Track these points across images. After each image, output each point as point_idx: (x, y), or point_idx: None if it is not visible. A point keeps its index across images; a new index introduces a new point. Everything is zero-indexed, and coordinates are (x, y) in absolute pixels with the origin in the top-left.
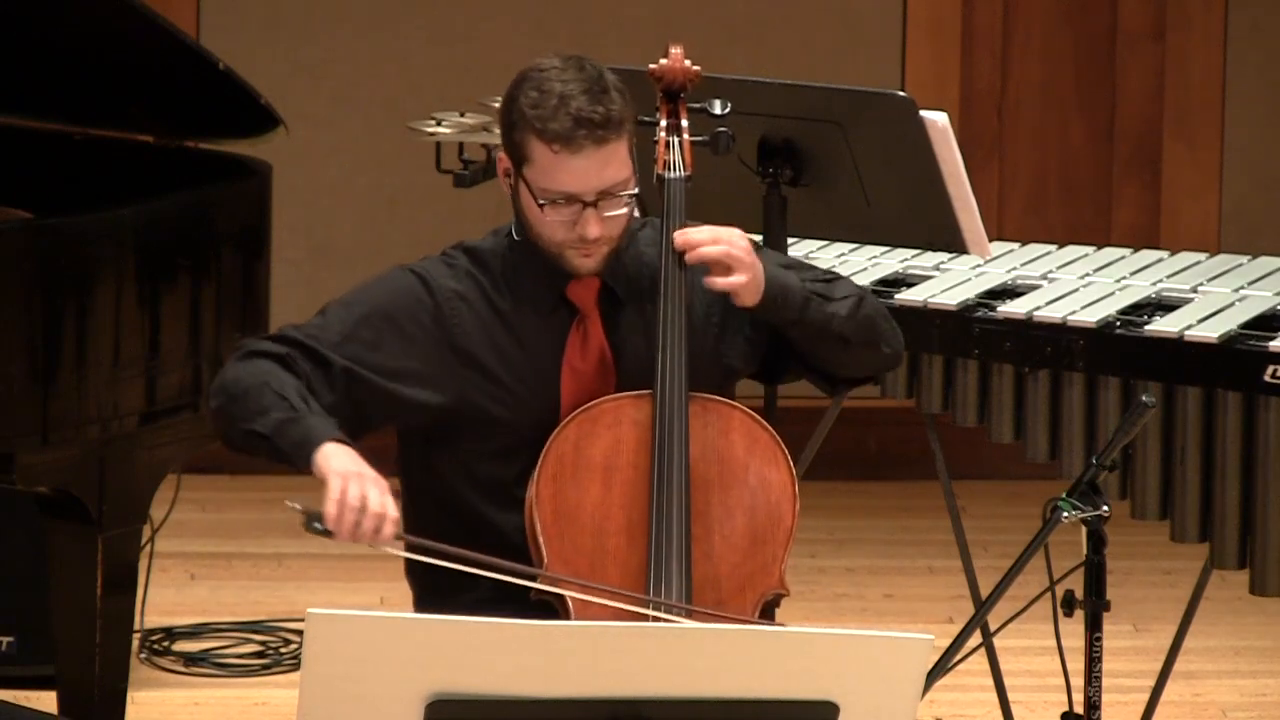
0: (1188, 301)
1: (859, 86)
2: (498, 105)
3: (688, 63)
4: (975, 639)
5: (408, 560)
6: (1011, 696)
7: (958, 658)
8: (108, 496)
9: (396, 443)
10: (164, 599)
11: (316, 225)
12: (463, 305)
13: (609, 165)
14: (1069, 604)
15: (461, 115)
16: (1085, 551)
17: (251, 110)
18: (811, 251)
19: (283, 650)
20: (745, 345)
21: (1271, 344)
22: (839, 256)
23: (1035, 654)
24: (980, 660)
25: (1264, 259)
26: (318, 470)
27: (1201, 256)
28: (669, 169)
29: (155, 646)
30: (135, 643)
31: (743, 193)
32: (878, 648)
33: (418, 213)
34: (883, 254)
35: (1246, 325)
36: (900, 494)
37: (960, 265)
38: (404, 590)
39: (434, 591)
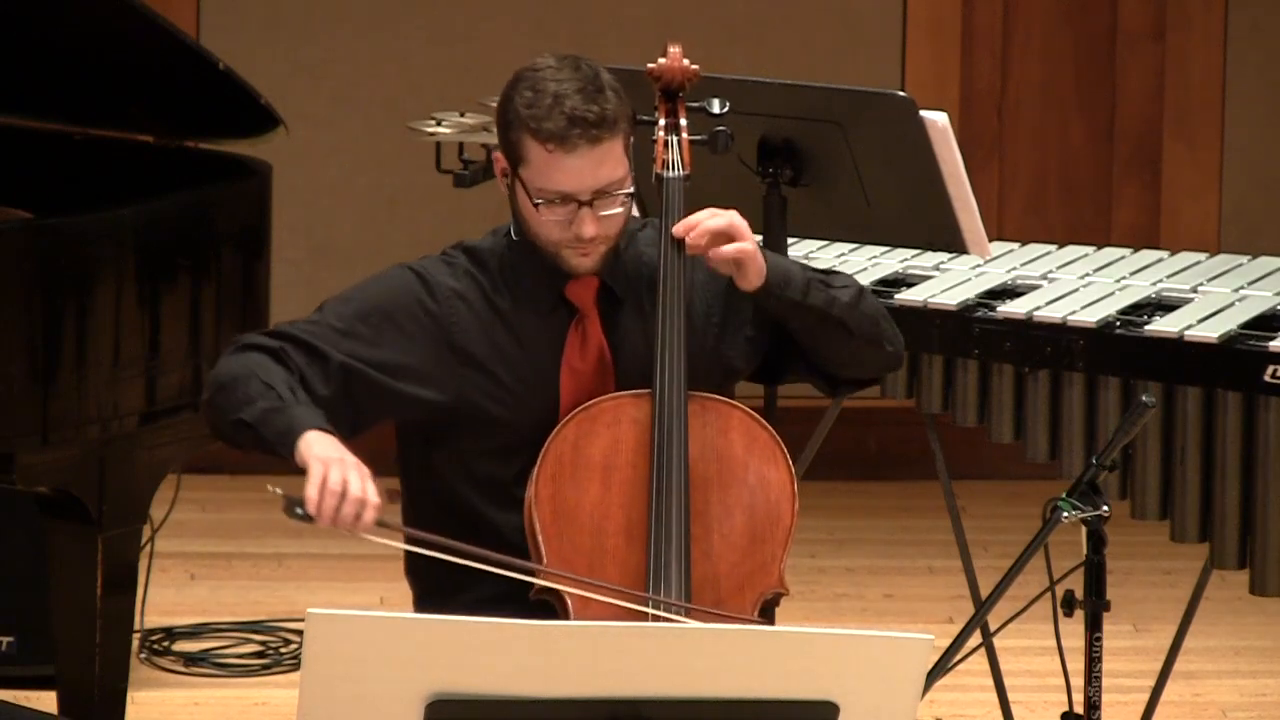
0: (1188, 301)
1: (859, 86)
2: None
3: (686, 62)
4: (975, 639)
5: (408, 559)
6: (1011, 696)
7: (958, 658)
8: (108, 496)
9: (396, 443)
10: (164, 599)
11: (316, 225)
12: (461, 304)
13: (604, 164)
14: (1069, 604)
15: (461, 115)
16: (1085, 551)
17: (251, 110)
18: (811, 251)
19: (283, 650)
20: (746, 345)
21: (1271, 344)
22: (839, 256)
23: (1035, 654)
24: (980, 660)
25: (1264, 259)
26: (300, 458)
27: (1201, 256)
28: (667, 168)
29: (155, 646)
30: (135, 643)
31: (743, 193)
32: (878, 648)
33: (418, 213)
34: (883, 254)
35: (1246, 325)
36: (900, 494)
37: (960, 265)
38: (404, 590)
39: (434, 591)
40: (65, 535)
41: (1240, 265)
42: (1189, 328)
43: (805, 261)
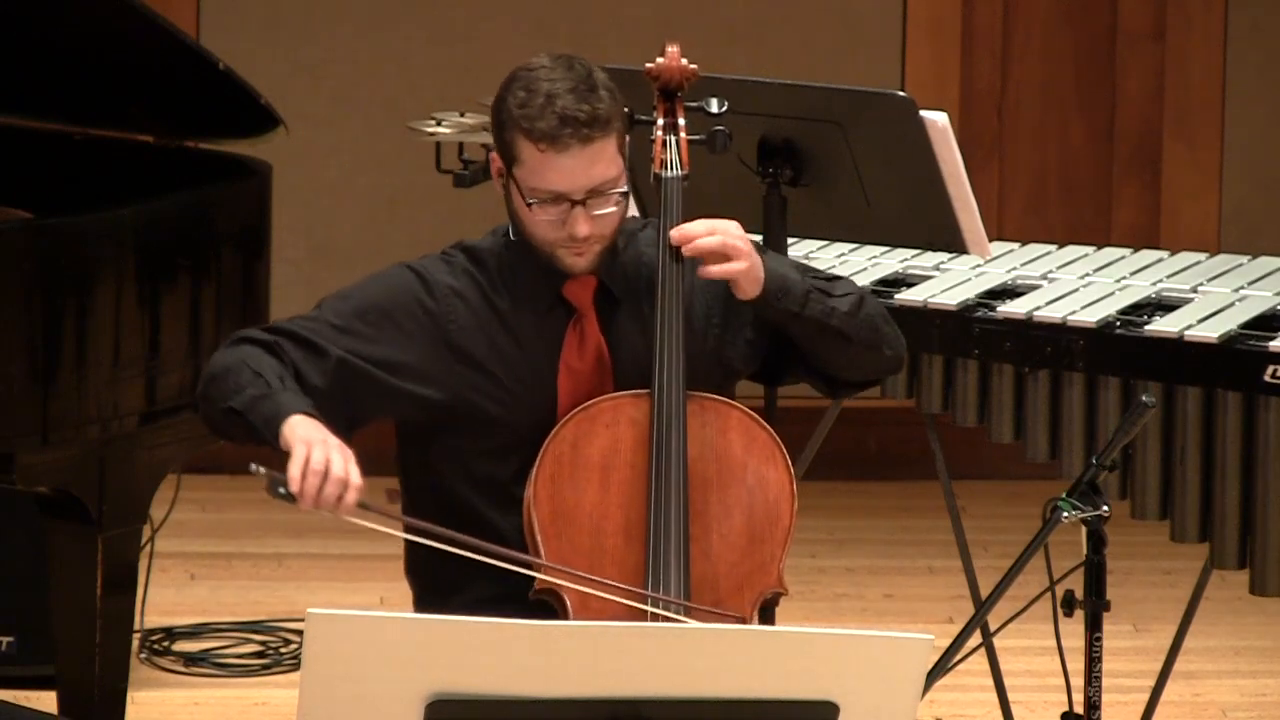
0: (1188, 301)
1: (859, 86)
2: None
3: (684, 61)
4: (975, 639)
5: (407, 559)
6: (1011, 696)
7: (958, 658)
8: (108, 496)
9: (396, 442)
10: (164, 599)
11: (316, 225)
12: (460, 303)
13: (597, 164)
14: (1069, 604)
15: (461, 115)
16: (1085, 551)
17: (251, 110)
18: (811, 251)
19: (283, 650)
20: (746, 347)
21: (1271, 344)
22: (839, 256)
23: (1035, 654)
24: (980, 660)
25: (1264, 259)
26: (284, 440)
27: (1201, 256)
28: (666, 168)
29: (155, 646)
30: (135, 643)
31: (742, 193)
32: (878, 648)
33: (418, 213)
34: (883, 254)
35: (1246, 325)
36: (900, 494)
37: (960, 265)
38: (404, 590)
39: (434, 591)
40: (65, 535)
41: (1240, 265)
42: (1189, 328)
43: (807, 264)
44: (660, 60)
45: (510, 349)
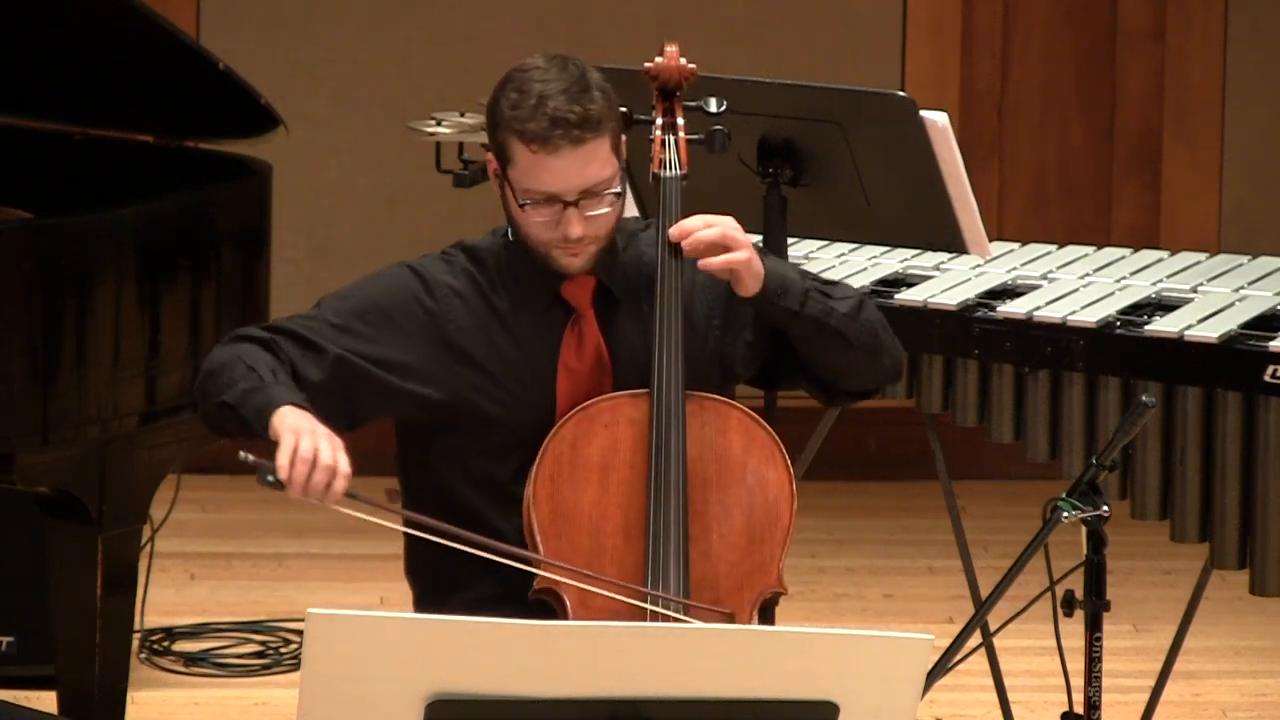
0: (1188, 301)
1: (859, 86)
2: None
3: (683, 61)
4: (975, 639)
5: (407, 559)
6: (1011, 696)
7: (958, 658)
8: (108, 496)
9: (395, 442)
10: (164, 599)
11: (316, 225)
12: (459, 302)
13: (589, 164)
14: (1069, 604)
15: (461, 115)
16: (1085, 551)
17: (251, 110)
18: (811, 251)
19: (283, 650)
20: (745, 349)
21: (1271, 344)
22: (839, 256)
23: (1035, 654)
24: (980, 660)
25: (1264, 259)
26: (273, 431)
27: (1201, 256)
28: (664, 167)
29: (155, 646)
30: (135, 643)
31: (742, 193)
32: (878, 648)
33: (418, 213)
34: (883, 254)
35: (1246, 325)
36: (900, 494)
37: (960, 265)
38: (404, 590)
39: (434, 591)
40: (65, 535)
41: (1240, 265)
42: (1189, 328)
43: (806, 268)
44: (659, 60)
45: (509, 349)
